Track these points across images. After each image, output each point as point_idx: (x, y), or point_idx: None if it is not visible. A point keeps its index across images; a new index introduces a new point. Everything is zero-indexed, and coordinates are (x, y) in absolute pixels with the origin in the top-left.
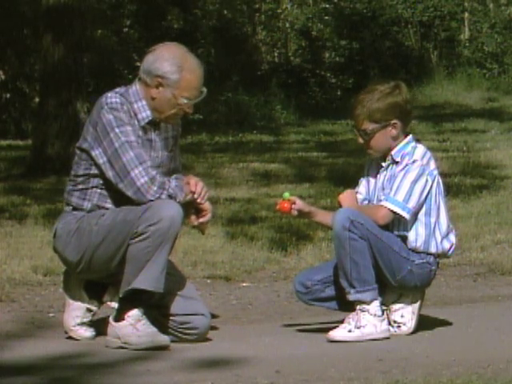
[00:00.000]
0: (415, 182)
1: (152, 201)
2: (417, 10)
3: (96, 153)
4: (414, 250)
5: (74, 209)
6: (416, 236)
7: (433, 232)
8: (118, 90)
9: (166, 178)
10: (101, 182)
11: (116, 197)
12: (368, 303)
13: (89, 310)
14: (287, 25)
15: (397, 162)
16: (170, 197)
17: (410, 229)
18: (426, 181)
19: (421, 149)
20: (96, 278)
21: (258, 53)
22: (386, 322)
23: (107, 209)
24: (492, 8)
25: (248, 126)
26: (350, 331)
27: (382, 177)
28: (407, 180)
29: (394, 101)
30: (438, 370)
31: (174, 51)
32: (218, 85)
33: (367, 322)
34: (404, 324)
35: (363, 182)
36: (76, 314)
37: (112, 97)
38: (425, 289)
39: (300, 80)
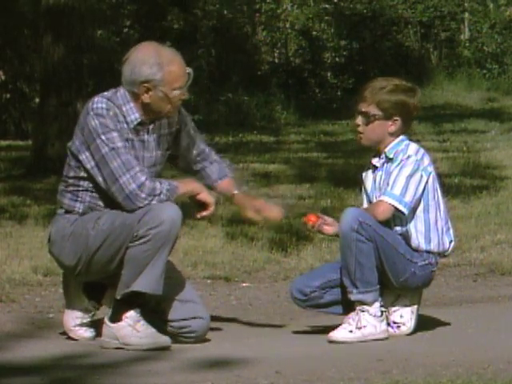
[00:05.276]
0: (410, 176)
1: (142, 207)
2: (417, 10)
3: (83, 157)
4: (416, 250)
5: (67, 211)
6: (416, 233)
7: (432, 228)
8: (105, 93)
9: (158, 180)
10: (91, 184)
11: (107, 198)
12: (369, 304)
13: (88, 311)
14: (287, 25)
15: (391, 159)
16: (162, 201)
17: (410, 226)
18: (421, 176)
19: (414, 146)
20: (95, 279)
21: (258, 53)
22: (384, 322)
23: (100, 210)
24: (492, 8)
25: (248, 126)
26: (351, 332)
27: (377, 177)
28: (402, 175)
29: (405, 99)
30: (438, 371)
31: (145, 52)
32: (218, 85)
33: (367, 323)
34: (404, 324)
35: (364, 193)
36: (76, 314)
37: (98, 102)
38: (424, 289)
39: (300, 80)
